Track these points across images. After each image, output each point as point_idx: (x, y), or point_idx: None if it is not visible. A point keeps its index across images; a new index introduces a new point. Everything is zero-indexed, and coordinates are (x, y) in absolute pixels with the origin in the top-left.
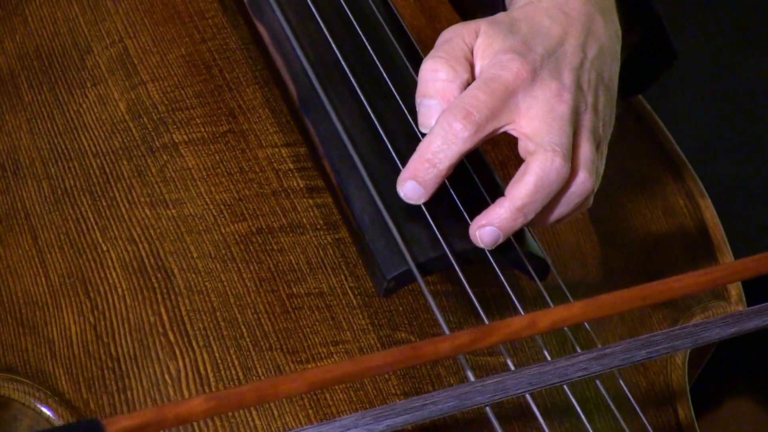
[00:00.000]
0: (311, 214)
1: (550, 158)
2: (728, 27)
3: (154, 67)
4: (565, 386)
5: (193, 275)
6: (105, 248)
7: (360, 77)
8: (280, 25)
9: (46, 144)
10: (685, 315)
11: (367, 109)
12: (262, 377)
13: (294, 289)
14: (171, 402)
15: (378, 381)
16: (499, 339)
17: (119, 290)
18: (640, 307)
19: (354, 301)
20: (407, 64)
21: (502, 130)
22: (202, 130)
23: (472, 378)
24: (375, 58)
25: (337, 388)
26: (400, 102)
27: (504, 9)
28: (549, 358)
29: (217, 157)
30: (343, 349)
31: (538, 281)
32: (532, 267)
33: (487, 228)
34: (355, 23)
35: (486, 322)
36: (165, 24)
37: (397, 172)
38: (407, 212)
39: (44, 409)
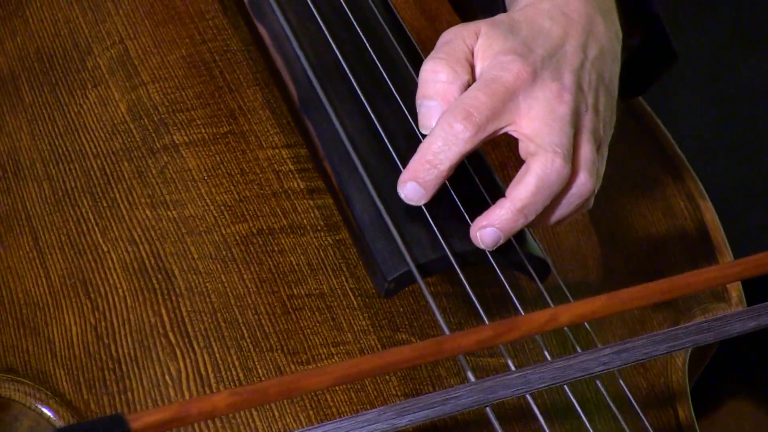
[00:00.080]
0: (312, 215)
1: (551, 159)
2: (728, 28)
3: (155, 68)
4: (565, 386)
5: (194, 276)
6: (106, 249)
7: (360, 78)
8: (280, 26)
9: (47, 145)
10: (686, 317)
11: (367, 110)
12: (263, 378)
13: (295, 290)
14: (195, 397)
15: (378, 382)
16: (522, 334)
17: (120, 291)
18: (660, 302)
19: (355, 302)
20: (407, 65)
21: (502, 131)
22: (203, 131)
23: (472, 379)
24: (375, 59)
25: (337, 388)
26: (401, 103)
27: (504, 10)
28: (549, 359)
29: (218, 158)
30: (343, 350)
31: (538, 282)
32: (533, 268)
33: (488, 229)
34: (355, 24)
35: (486, 322)
36: (165, 25)
37: (398, 173)
38: (408, 213)
39: (45, 410)
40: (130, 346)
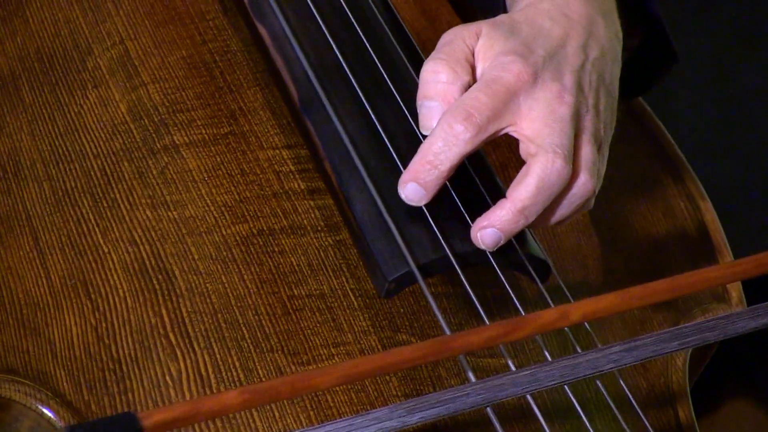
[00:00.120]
0: (312, 215)
1: (552, 160)
2: (728, 29)
3: (155, 68)
4: (566, 387)
5: (194, 277)
6: (106, 250)
7: (361, 79)
8: (281, 27)
9: (47, 145)
10: (686, 318)
11: (368, 111)
12: (263, 379)
13: (295, 291)
14: (206, 395)
15: (379, 383)
16: (531, 331)
17: (120, 292)
18: (669, 299)
19: (355, 303)
20: (408, 65)
21: (503, 131)
22: (203, 131)
23: (473, 379)
24: (376, 59)
25: (338, 389)
26: (401, 103)
27: (504, 11)
28: (550, 359)
29: (218, 159)
30: (344, 351)
31: (539, 283)
32: (534, 268)
33: (489, 229)
34: (355, 24)
35: (487, 323)
36: (166, 26)
37: (398, 173)
38: (408, 214)
39: (45, 411)
40: (130, 346)
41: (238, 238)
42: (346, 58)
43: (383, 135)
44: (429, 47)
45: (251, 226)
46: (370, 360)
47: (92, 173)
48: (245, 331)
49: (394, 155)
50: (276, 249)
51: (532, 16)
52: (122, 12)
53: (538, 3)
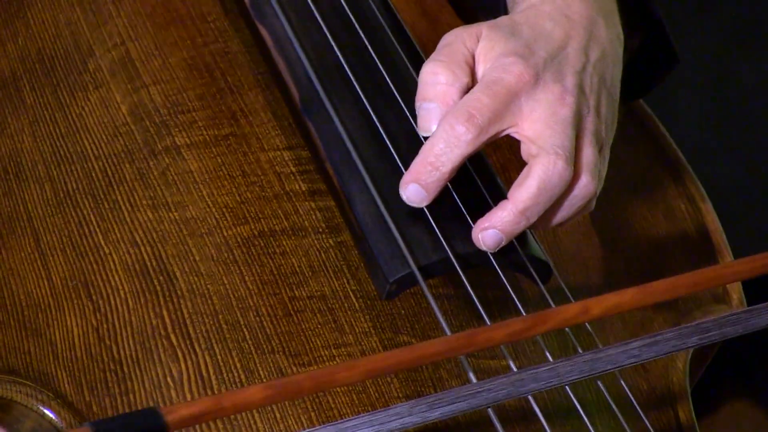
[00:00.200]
0: (313, 217)
1: (553, 161)
2: (728, 30)
3: (156, 70)
4: (567, 387)
5: (195, 278)
6: (107, 251)
7: (362, 80)
8: (282, 28)
9: (49, 147)
10: (687, 319)
11: (369, 112)
12: (264, 380)
13: (296, 292)
14: (229, 390)
15: (380, 384)
16: (553, 326)
17: (121, 293)
18: (691, 294)
19: (356, 304)
20: (409, 66)
21: (504, 133)
22: (204, 133)
23: (474, 380)
24: (377, 60)
25: (339, 390)
26: (402, 105)
27: (505, 12)
28: (551, 359)
29: (219, 160)
30: (345, 352)
31: (540, 284)
32: (535, 270)
33: (490, 231)
34: (356, 25)
35: (489, 324)
36: (167, 27)
37: (400, 174)
38: (410, 215)
39: (47, 412)
40: (131, 347)
41: (239, 239)
42: (347, 59)
43: (384, 136)
44: (430, 48)
45: (252, 227)
46: (394, 355)
47: (93, 174)
48: (246, 333)
49: (396, 156)
50: (277, 250)
51: (533, 17)
52: (123, 14)
53: (539, 4)
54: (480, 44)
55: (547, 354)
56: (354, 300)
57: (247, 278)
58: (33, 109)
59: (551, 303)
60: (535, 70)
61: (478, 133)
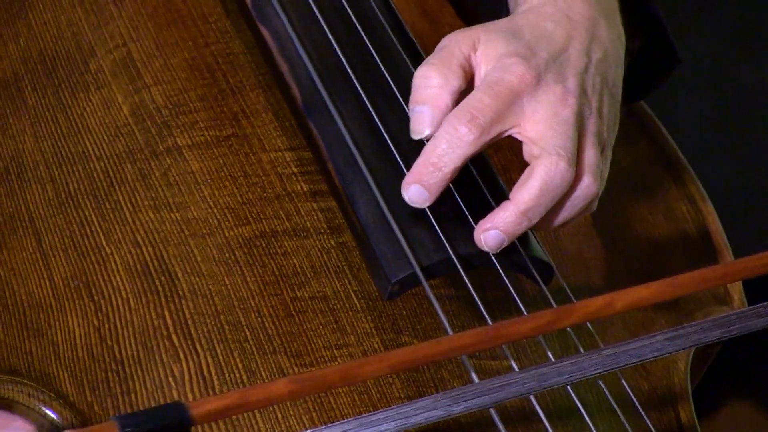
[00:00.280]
0: (315, 218)
1: (555, 162)
2: (728, 31)
3: (158, 70)
4: (568, 388)
5: (197, 278)
6: (109, 251)
7: (364, 81)
8: (284, 29)
9: (50, 147)
10: (688, 320)
11: (371, 113)
12: (266, 380)
13: (298, 293)
14: (254, 385)
15: (382, 384)
16: (578, 319)
17: (123, 293)
18: (715, 287)
19: (357, 305)
20: (410, 67)
21: (506, 133)
22: (206, 133)
23: (476, 380)
24: (378, 61)
25: (340, 391)
26: (404, 105)
27: (507, 13)
28: (553, 360)
29: (221, 161)
30: (346, 353)
31: (542, 285)
32: (537, 270)
33: (492, 231)
34: (358, 26)
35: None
36: (168, 28)
37: (402, 175)
38: (412, 216)
39: (48, 412)
40: (133, 347)
41: (240, 240)
42: (349, 60)
43: (386, 137)
44: (430, 49)
45: (254, 228)
46: (421, 348)
47: (95, 175)
48: (248, 333)
49: (398, 157)
50: (279, 251)
51: (534, 18)
52: (125, 14)
53: (540, 6)
54: (480, 47)
55: (549, 354)
56: (355, 301)
57: (248, 279)
58: (34, 110)
59: (553, 303)
60: (537, 71)
61: (480, 134)
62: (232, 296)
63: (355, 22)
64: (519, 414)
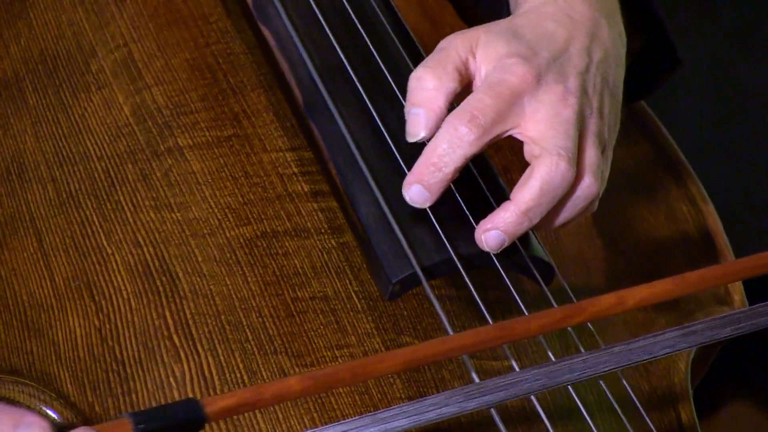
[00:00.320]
0: (316, 218)
1: (556, 162)
2: (727, 31)
3: (159, 71)
4: (569, 388)
5: (198, 279)
6: (110, 251)
7: (365, 81)
8: (285, 30)
9: (51, 147)
10: (688, 320)
11: (372, 114)
12: (267, 380)
13: (299, 293)
14: (268, 381)
15: (383, 385)
16: (589, 317)
17: (124, 293)
18: (725, 284)
19: (358, 305)
20: (411, 68)
21: (507, 133)
22: (207, 134)
23: (477, 381)
24: (379, 61)
25: (342, 392)
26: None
27: (509, 13)
28: (553, 360)
29: (222, 161)
30: (347, 353)
31: (543, 285)
32: (538, 271)
33: (493, 232)
34: (359, 27)
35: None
36: (169, 28)
37: (403, 175)
38: (412, 216)
39: (49, 412)
40: (134, 348)
41: (241, 240)
42: (350, 61)
43: (387, 137)
44: (431, 50)
45: (255, 228)
46: (432, 345)
47: (96, 175)
48: (249, 333)
49: (398, 157)
50: (280, 251)
51: (534, 18)
52: (126, 15)
53: (541, 6)
54: (480, 48)
55: (550, 354)
56: (356, 301)
57: (249, 279)
58: (35, 110)
59: (554, 304)
60: (538, 71)
61: (481, 134)
62: (233, 296)
63: (356, 22)
64: (520, 414)
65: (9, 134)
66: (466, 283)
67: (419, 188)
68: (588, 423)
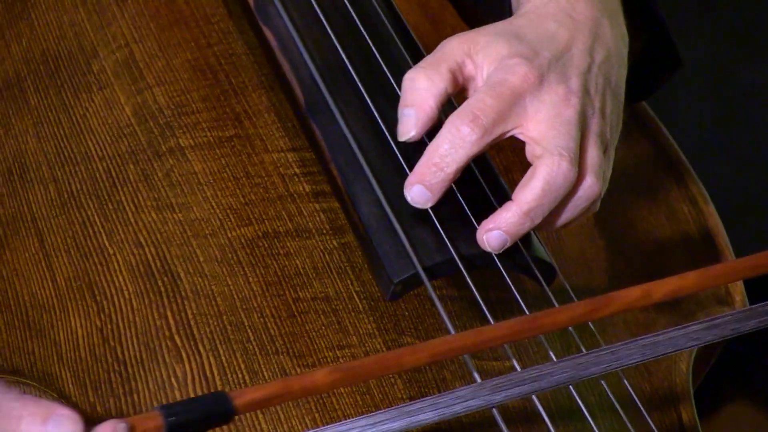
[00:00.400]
0: (317, 218)
1: (557, 162)
2: (727, 31)
3: (160, 71)
4: (571, 388)
5: (200, 279)
6: (111, 252)
7: (366, 81)
8: (287, 30)
9: (53, 148)
10: (689, 321)
11: (373, 114)
12: (269, 381)
13: (300, 294)
14: (297, 374)
15: (384, 385)
16: (617, 309)
17: (126, 294)
18: (751, 277)
19: (360, 306)
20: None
21: (509, 134)
22: (208, 134)
23: (479, 380)
24: (381, 62)
25: (343, 392)
26: None
27: (510, 12)
28: (555, 359)
29: (223, 162)
30: (349, 353)
31: (545, 285)
32: (539, 271)
33: (495, 232)
34: (361, 27)
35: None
36: (171, 28)
37: (404, 176)
38: (414, 216)
39: None
40: (135, 348)
41: (243, 240)
42: (352, 61)
43: (389, 137)
44: (432, 50)
45: (256, 228)
46: (460, 338)
47: (97, 175)
48: (250, 334)
49: (400, 157)
50: (281, 252)
51: (536, 18)
52: (127, 15)
53: (542, 6)
54: (480, 50)
55: (551, 354)
56: (358, 301)
57: (251, 279)
58: (37, 110)
59: (555, 304)
60: (540, 71)
61: (483, 134)
62: (235, 297)
63: (358, 22)
64: (521, 415)
65: (10, 134)
66: (468, 283)
67: (421, 188)
68: (589, 423)
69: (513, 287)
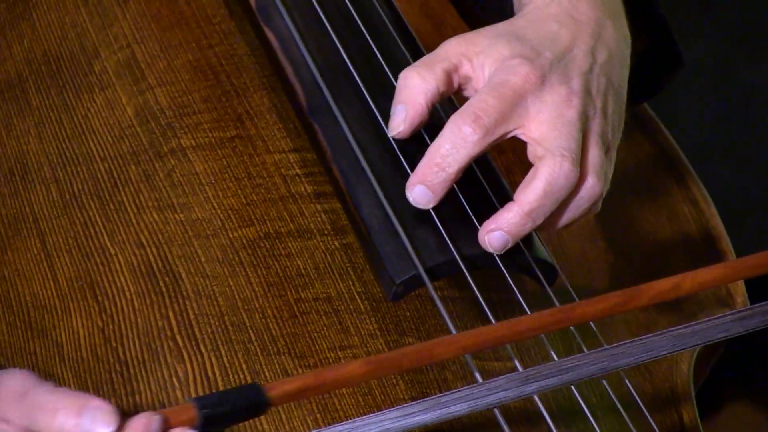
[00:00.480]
0: (319, 219)
1: (559, 163)
2: (728, 31)
3: (162, 72)
4: (573, 388)
5: (201, 279)
6: (113, 252)
7: (368, 82)
8: (288, 31)
9: (54, 148)
10: (690, 321)
11: (375, 114)
12: (270, 381)
13: (302, 294)
14: (330, 366)
15: (386, 386)
16: (647, 301)
17: (127, 294)
18: (751, 277)
19: (361, 306)
20: None
21: (511, 134)
22: (210, 135)
23: (480, 381)
24: (383, 62)
25: (344, 392)
26: None
27: (513, 12)
28: (556, 359)
29: (225, 162)
30: (350, 354)
31: (546, 286)
32: (541, 271)
33: (496, 232)
34: (362, 28)
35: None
36: (172, 29)
37: (406, 176)
38: (416, 217)
39: None
40: (137, 348)
41: (244, 241)
42: (353, 62)
43: (391, 138)
44: (433, 50)
45: (258, 229)
46: (492, 330)
47: (99, 176)
48: (252, 334)
49: (402, 158)
50: (283, 252)
51: (538, 19)
52: (129, 16)
53: (544, 7)
54: (482, 51)
55: (552, 354)
56: (359, 302)
57: (252, 280)
58: (39, 111)
59: (556, 304)
60: (542, 72)
61: (484, 134)
62: (236, 297)
63: (359, 23)
64: (523, 415)
65: (12, 135)
66: (470, 283)
67: (422, 189)
68: (591, 423)
69: (514, 288)
